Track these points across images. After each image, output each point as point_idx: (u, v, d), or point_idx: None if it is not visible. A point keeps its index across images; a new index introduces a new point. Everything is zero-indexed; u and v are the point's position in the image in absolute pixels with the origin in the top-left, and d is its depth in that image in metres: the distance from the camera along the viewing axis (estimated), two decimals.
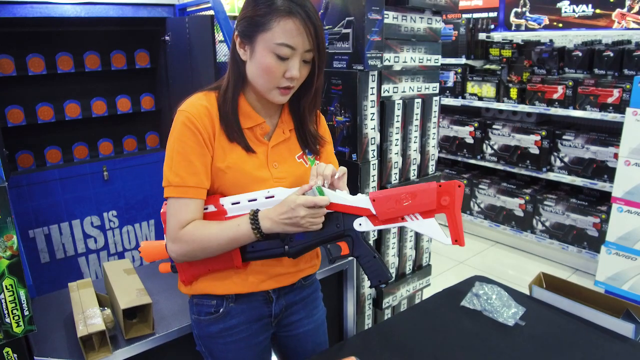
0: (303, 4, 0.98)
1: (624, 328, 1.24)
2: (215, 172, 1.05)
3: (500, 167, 3.73)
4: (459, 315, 1.32)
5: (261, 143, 1.09)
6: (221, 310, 1.11)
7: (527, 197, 3.53)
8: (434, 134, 2.01)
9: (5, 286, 1.08)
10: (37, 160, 2.47)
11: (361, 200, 1.00)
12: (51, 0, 2.15)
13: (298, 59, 0.99)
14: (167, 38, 2.48)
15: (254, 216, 1.00)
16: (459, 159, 4.04)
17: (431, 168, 2.04)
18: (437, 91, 1.96)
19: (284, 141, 1.13)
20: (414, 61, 1.82)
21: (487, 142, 3.77)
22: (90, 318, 1.16)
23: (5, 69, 2.24)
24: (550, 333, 1.24)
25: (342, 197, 1.02)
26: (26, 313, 1.11)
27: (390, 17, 1.68)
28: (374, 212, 1.00)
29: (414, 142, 1.92)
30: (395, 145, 1.84)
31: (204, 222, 1.02)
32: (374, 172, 1.78)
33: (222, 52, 2.22)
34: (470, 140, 3.89)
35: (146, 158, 2.68)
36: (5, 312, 1.09)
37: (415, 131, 1.91)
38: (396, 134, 1.82)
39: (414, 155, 1.94)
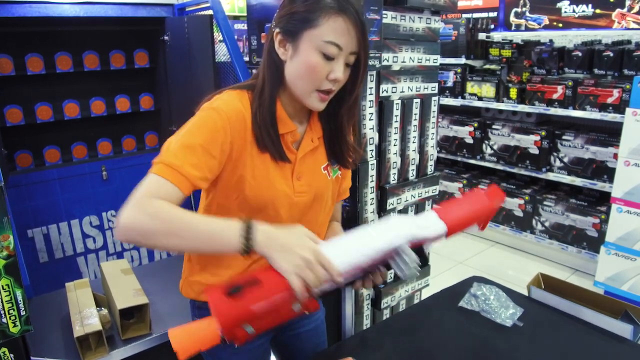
0: (352, 2, 0.92)
1: (622, 329, 1.24)
2: (236, 182, 0.97)
3: (499, 167, 3.73)
4: (456, 316, 1.32)
5: (290, 152, 1.01)
6: None
7: (527, 197, 3.53)
8: (433, 134, 2.00)
9: (2, 286, 1.08)
10: (36, 159, 2.47)
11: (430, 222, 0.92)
12: (50, 0, 2.14)
13: (343, 60, 0.93)
14: (166, 38, 2.48)
15: (249, 226, 0.82)
16: (459, 159, 4.04)
17: (430, 168, 2.04)
18: (436, 91, 1.95)
19: (311, 150, 1.06)
20: (413, 61, 1.82)
21: (486, 142, 3.77)
22: (87, 318, 1.16)
23: (4, 69, 2.24)
24: (548, 334, 1.23)
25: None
26: (23, 313, 1.11)
27: (389, 17, 1.68)
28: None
29: (413, 142, 1.92)
30: (394, 145, 1.83)
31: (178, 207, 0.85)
32: (372, 172, 1.78)
33: (222, 52, 2.22)
34: (469, 140, 3.89)
35: (145, 158, 2.68)
36: (2, 312, 1.09)
37: (414, 131, 1.91)
38: (395, 134, 1.82)
39: (413, 155, 1.94)
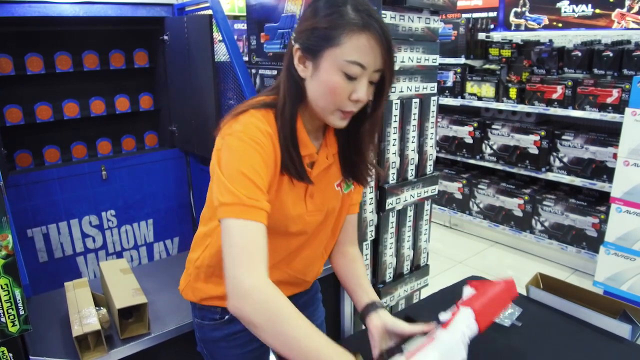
0: (378, 17, 0.86)
1: (621, 329, 1.24)
2: None
3: (499, 167, 3.73)
4: None
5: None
6: (226, 317, 1.09)
7: (526, 197, 3.53)
8: (432, 133, 2.00)
9: (1, 285, 1.08)
10: (36, 159, 2.47)
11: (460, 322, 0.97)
12: (50, 0, 2.14)
13: (366, 79, 0.88)
14: (165, 38, 2.48)
15: None
16: (458, 158, 4.04)
17: (429, 168, 2.04)
18: (435, 91, 1.95)
19: (325, 168, 1.02)
20: (412, 61, 1.82)
21: (486, 142, 3.77)
22: (86, 318, 1.16)
23: (3, 69, 2.24)
24: (546, 334, 1.24)
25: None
26: (21, 312, 1.11)
27: (388, 17, 1.68)
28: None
29: (412, 142, 1.92)
30: (393, 145, 1.84)
31: (287, 301, 0.80)
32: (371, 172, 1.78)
33: (222, 52, 2.22)
34: (469, 140, 3.89)
35: (145, 157, 2.68)
36: (1, 311, 1.09)
37: (413, 131, 1.91)
38: (394, 133, 1.82)
39: (412, 155, 1.94)
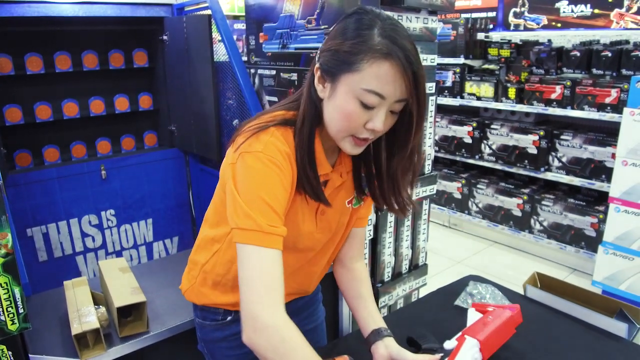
0: (404, 45, 0.79)
1: (617, 328, 1.24)
2: None
3: (498, 167, 3.74)
4: (452, 314, 1.32)
5: None
6: (228, 318, 1.10)
7: (525, 197, 3.53)
8: (431, 133, 2.01)
9: (0, 284, 1.09)
10: (35, 159, 2.48)
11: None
12: (49, 0, 2.15)
13: (385, 109, 0.83)
14: (165, 37, 2.48)
15: None
16: (458, 158, 4.04)
17: (427, 167, 2.04)
18: (433, 91, 1.96)
19: (338, 186, 1.00)
20: None
21: (485, 142, 3.78)
22: (85, 316, 1.16)
23: (3, 68, 2.24)
24: (543, 332, 1.24)
25: None
26: (21, 311, 1.12)
27: None
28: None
29: None
30: None
31: (303, 342, 0.81)
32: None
33: (221, 52, 2.22)
34: (468, 140, 3.90)
35: (144, 157, 2.68)
36: (0, 310, 1.10)
37: None
38: None
39: None
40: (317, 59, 0.89)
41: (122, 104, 2.63)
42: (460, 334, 1.05)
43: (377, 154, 0.97)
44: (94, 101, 2.53)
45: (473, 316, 1.17)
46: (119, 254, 2.69)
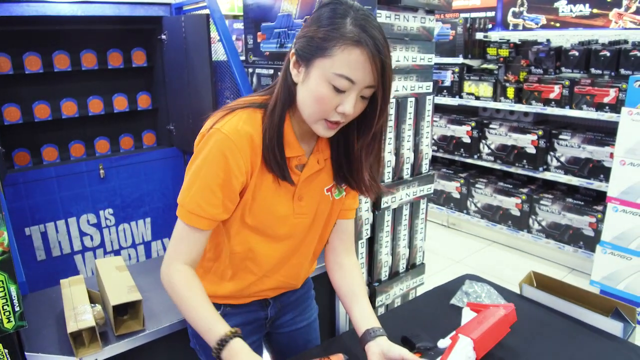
0: (374, 35, 0.85)
1: (613, 326, 1.25)
2: (242, 204, 0.98)
3: (497, 166, 3.74)
4: (448, 312, 1.33)
5: (293, 173, 1.00)
6: (218, 312, 1.11)
7: (524, 197, 3.54)
8: (428, 132, 2.01)
9: None
10: (34, 158, 2.48)
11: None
12: (48, 0, 2.15)
13: (355, 93, 0.88)
14: (163, 37, 2.49)
15: (221, 344, 0.90)
16: (456, 158, 4.05)
17: (425, 167, 2.05)
18: (430, 90, 1.96)
19: (316, 172, 1.03)
20: (407, 60, 1.83)
21: (484, 141, 3.78)
22: (81, 314, 1.17)
23: (2, 67, 2.25)
24: (539, 331, 1.24)
25: None
26: (17, 309, 1.12)
27: (383, 16, 1.69)
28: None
29: (407, 141, 1.93)
30: (388, 144, 1.84)
31: (197, 284, 0.97)
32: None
33: (220, 52, 2.23)
34: (467, 140, 3.90)
35: (143, 156, 2.69)
36: None
37: (409, 130, 1.92)
38: (389, 132, 1.83)
39: (408, 154, 1.95)
40: (293, 44, 0.93)
41: (120, 103, 2.64)
42: (454, 332, 1.05)
43: (347, 137, 1.01)
44: (92, 100, 2.54)
45: (467, 315, 1.17)
46: (117, 253, 2.69)
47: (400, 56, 1.80)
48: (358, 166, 1.02)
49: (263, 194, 0.98)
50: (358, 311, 1.09)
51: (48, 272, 2.45)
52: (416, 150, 1.99)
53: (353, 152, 1.01)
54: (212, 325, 0.93)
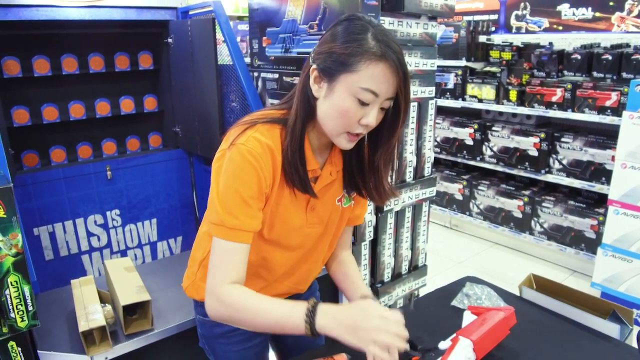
0: (396, 49, 0.89)
1: (610, 328, 1.27)
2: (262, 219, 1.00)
3: (499, 168, 3.76)
4: (449, 314, 1.35)
5: None
6: None
7: (526, 199, 3.56)
8: (430, 136, 2.04)
9: (10, 282, 1.13)
10: (42, 159, 2.52)
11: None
12: (56, 4, 2.19)
13: (378, 105, 0.91)
14: (170, 40, 2.52)
15: (313, 310, 0.88)
16: (459, 160, 4.07)
17: (427, 170, 2.08)
18: (433, 94, 1.99)
19: (329, 184, 1.06)
20: (410, 66, 1.86)
21: (486, 143, 3.80)
22: (92, 314, 1.20)
23: (11, 70, 2.28)
24: (537, 333, 1.27)
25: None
26: (30, 308, 1.16)
27: (386, 23, 1.72)
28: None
29: (410, 145, 1.95)
30: None
31: (252, 292, 0.94)
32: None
33: (225, 55, 2.26)
34: (470, 142, 3.92)
35: (149, 158, 2.72)
36: (10, 307, 1.13)
37: (411, 134, 1.94)
38: None
39: (410, 157, 1.97)
40: (311, 60, 0.95)
41: (127, 105, 2.67)
42: (454, 334, 1.08)
43: (361, 150, 1.04)
44: (99, 103, 2.58)
45: (468, 318, 1.20)
46: (123, 253, 2.73)
47: None
48: (375, 175, 1.05)
49: (282, 207, 1.01)
50: (352, 286, 1.15)
51: (56, 272, 2.49)
52: (419, 153, 2.01)
53: (367, 163, 1.05)
54: (289, 311, 0.90)
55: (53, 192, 2.44)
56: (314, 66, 0.94)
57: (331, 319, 0.87)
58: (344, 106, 0.90)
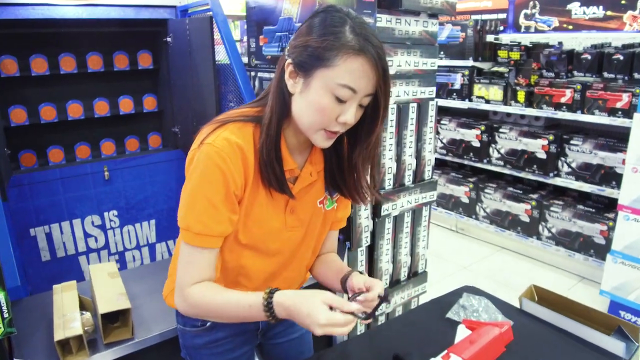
0: (375, 42, 0.84)
1: (615, 346, 1.20)
2: (237, 222, 0.97)
3: (506, 171, 3.67)
4: (442, 327, 1.29)
5: None
6: (208, 324, 1.09)
7: (534, 203, 3.47)
8: (431, 138, 1.97)
9: None
10: (40, 159, 2.50)
11: None
12: (53, 2, 2.17)
13: (356, 102, 0.86)
14: (169, 39, 2.49)
15: (269, 301, 0.88)
16: (465, 162, 3.99)
17: (427, 173, 2.01)
18: (433, 95, 1.93)
19: (308, 185, 1.01)
20: (409, 65, 1.79)
21: (493, 145, 3.71)
22: (70, 322, 1.16)
23: (8, 70, 2.27)
24: (536, 349, 1.20)
25: None
26: (5, 315, 1.12)
27: (384, 20, 1.66)
28: None
29: (409, 147, 1.89)
30: (389, 150, 1.81)
31: (214, 287, 0.94)
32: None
33: (222, 54, 2.22)
34: (476, 144, 3.84)
35: (148, 158, 2.70)
36: None
37: (411, 136, 1.88)
38: (390, 138, 1.80)
39: (409, 160, 1.91)
40: (286, 54, 0.89)
41: (126, 105, 2.65)
42: (445, 351, 1.02)
43: (341, 147, 1.00)
44: (98, 102, 2.55)
45: (462, 333, 1.14)
46: (121, 254, 2.71)
47: (401, 61, 1.77)
48: (354, 174, 1.00)
49: (256, 209, 0.96)
50: (335, 272, 1.09)
51: (52, 273, 2.47)
52: (418, 156, 1.95)
53: (346, 160, 1.00)
54: (250, 302, 0.90)
55: (50, 192, 2.42)
56: (289, 60, 0.88)
57: (284, 310, 0.88)
58: (321, 103, 0.85)
